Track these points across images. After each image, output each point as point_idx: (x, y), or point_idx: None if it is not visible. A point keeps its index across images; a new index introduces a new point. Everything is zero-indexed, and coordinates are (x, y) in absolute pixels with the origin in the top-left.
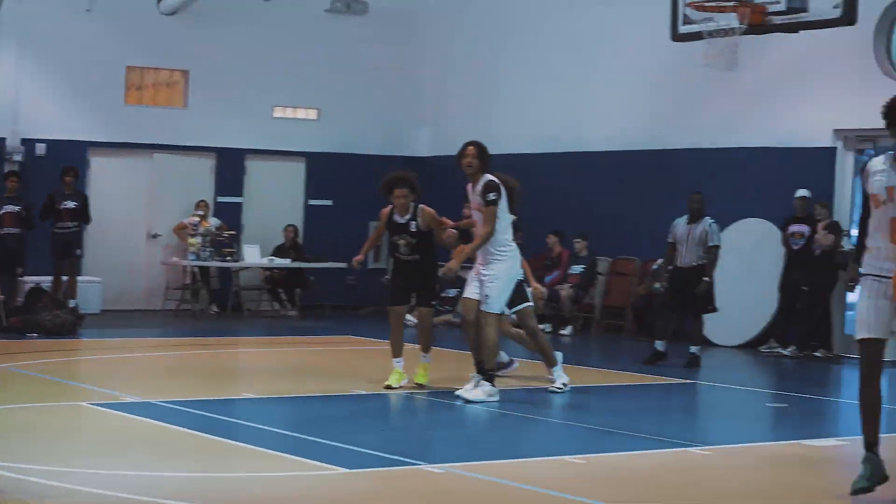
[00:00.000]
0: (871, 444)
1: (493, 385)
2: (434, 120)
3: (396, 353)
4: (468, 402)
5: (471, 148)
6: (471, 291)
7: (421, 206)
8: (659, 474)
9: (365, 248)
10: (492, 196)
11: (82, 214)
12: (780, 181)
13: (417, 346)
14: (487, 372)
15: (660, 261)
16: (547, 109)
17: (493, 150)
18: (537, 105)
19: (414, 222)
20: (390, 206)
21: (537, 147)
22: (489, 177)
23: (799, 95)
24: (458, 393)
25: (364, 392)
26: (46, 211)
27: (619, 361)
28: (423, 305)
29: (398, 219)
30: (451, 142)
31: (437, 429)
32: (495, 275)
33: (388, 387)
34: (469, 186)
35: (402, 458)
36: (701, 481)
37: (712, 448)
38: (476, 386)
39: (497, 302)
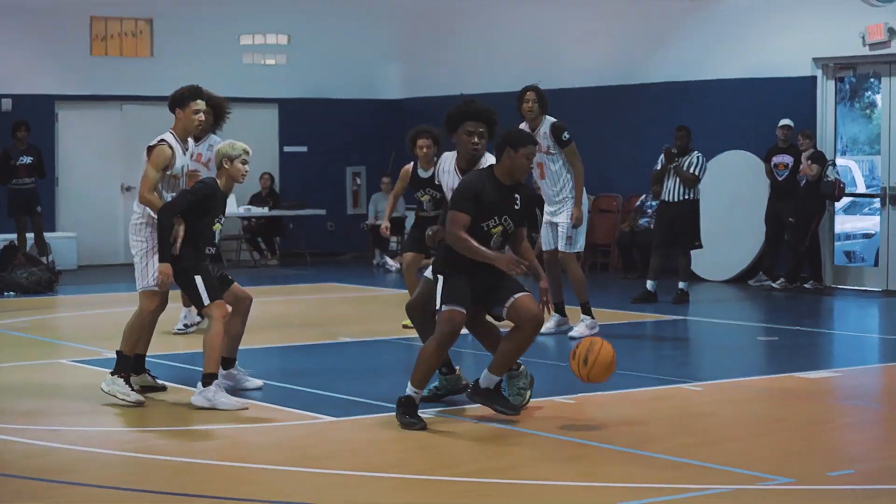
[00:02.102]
0: None
1: (593, 317)
2: (406, 62)
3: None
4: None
5: (530, 93)
6: (546, 242)
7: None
8: (651, 412)
9: (388, 214)
10: (566, 135)
11: (38, 169)
12: (760, 112)
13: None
14: (585, 306)
15: (643, 196)
16: (520, 47)
17: (468, 89)
18: (510, 42)
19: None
20: (412, 164)
21: (511, 85)
22: (552, 119)
23: (776, 24)
24: (570, 334)
25: (349, 339)
26: (2, 168)
27: (607, 299)
28: None
29: (422, 173)
30: (423, 83)
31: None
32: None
33: (405, 326)
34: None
35: (389, 405)
36: (694, 417)
37: (704, 384)
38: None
39: (578, 241)
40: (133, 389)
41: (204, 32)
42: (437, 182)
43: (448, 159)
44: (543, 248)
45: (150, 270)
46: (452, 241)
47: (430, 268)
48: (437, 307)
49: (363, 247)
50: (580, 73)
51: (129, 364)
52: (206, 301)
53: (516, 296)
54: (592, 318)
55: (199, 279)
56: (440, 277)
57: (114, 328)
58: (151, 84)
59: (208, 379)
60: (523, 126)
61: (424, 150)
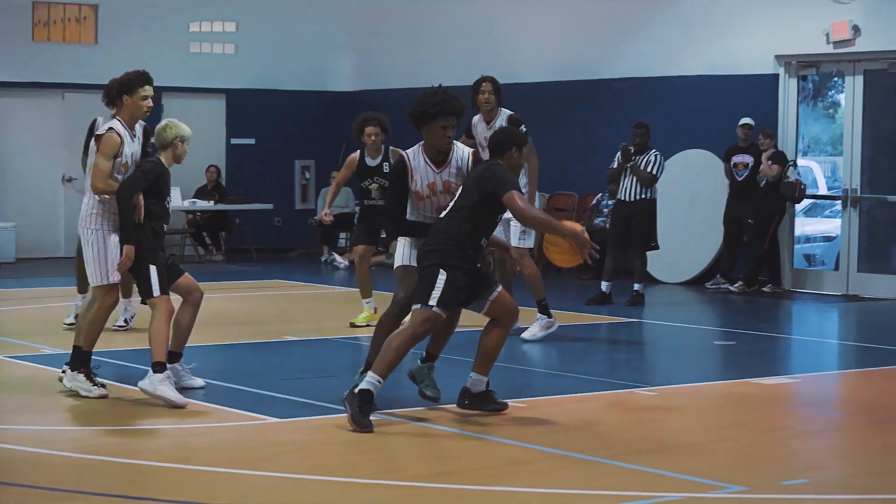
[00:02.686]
0: None
1: (550, 316)
2: (358, 53)
3: (365, 293)
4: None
5: (487, 83)
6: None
7: (392, 147)
8: (603, 417)
9: (329, 201)
10: (524, 129)
11: None
12: (721, 110)
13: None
14: (542, 303)
15: (599, 195)
16: (476, 40)
17: (419, 82)
18: (467, 35)
19: (386, 164)
20: (358, 151)
21: (465, 78)
22: (508, 111)
23: (739, 20)
24: (523, 336)
25: (295, 338)
26: None
27: (561, 301)
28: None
29: (370, 161)
30: (376, 75)
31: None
32: None
33: (353, 325)
34: (477, 123)
35: (333, 406)
36: (647, 423)
37: (658, 388)
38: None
39: (531, 237)
40: (95, 384)
41: (151, 20)
42: (385, 171)
43: (414, 155)
44: None
45: (108, 264)
46: (535, 220)
47: (412, 255)
48: (429, 302)
49: (311, 243)
50: (537, 67)
51: (88, 359)
52: (157, 292)
53: (497, 290)
54: (550, 317)
55: (153, 269)
56: (443, 272)
57: (53, 323)
58: (95, 72)
59: (158, 367)
60: (477, 119)
61: (373, 137)
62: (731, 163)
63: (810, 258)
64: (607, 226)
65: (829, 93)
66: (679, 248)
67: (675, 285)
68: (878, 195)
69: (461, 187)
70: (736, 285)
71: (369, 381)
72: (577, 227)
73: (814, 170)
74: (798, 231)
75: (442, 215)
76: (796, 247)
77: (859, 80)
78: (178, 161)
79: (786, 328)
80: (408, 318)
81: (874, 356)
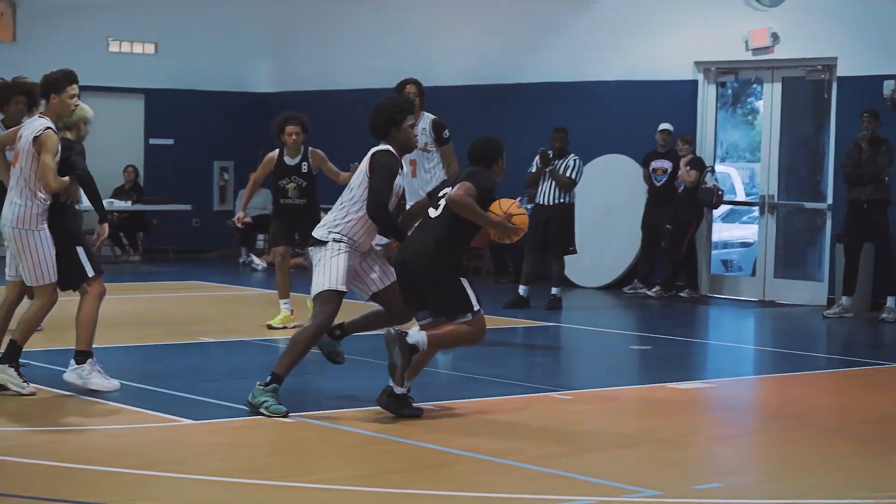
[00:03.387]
0: None
1: None
2: (276, 55)
3: (283, 293)
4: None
5: (411, 85)
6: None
7: (311, 147)
8: (518, 421)
9: (245, 203)
10: (447, 133)
11: None
12: (640, 116)
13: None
14: None
15: (518, 199)
16: (394, 43)
17: (339, 85)
18: (385, 38)
19: (305, 164)
20: (277, 150)
21: (384, 81)
22: (431, 115)
23: (659, 26)
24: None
25: (211, 340)
26: None
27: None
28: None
29: (288, 160)
30: (295, 77)
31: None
32: None
33: (270, 326)
34: None
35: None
36: (562, 427)
37: (574, 392)
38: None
39: None
40: (24, 380)
41: (70, 18)
42: (304, 171)
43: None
44: None
45: (49, 264)
46: (463, 206)
47: (346, 277)
48: (474, 309)
49: (229, 244)
50: (456, 70)
51: (19, 355)
52: (90, 272)
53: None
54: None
55: (81, 250)
56: (462, 280)
57: None
58: (12, 70)
59: (82, 357)
60: None
61: (293, 136)
62: (650, 168)
63: (727, 264)
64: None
65: (748, 99)
66: (597, 253)
67: (593, 290)
68: (795, 202)
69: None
70: (653, 290)
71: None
72: (512, 208)
73: (732, 176)
74: (715, 237)
75: (431, 216)
76: (713, 252)
77: (777, 87)
78: (80, 142)
79: (702, 333)
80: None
81: (789, 362)
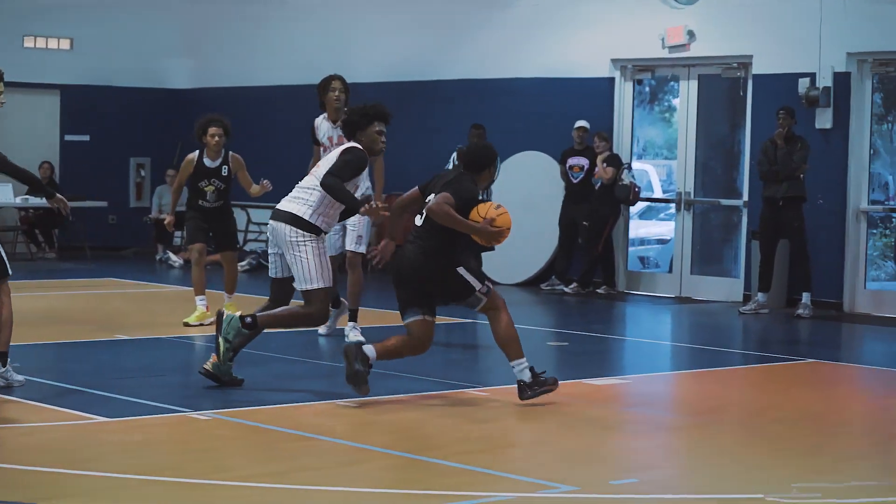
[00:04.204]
0: None
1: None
2: (194, 51)
3: (198, 290)
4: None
5: (338, 81)
6: (334, 247)
7: (231, 152)
8: (434, 417)
9: (173, 206)
10: None
11: None
12: (557, 113)
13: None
14: (354, 313)
15: None
16: (314, 38)
17: (255, 81)
18: (304, 34)
19: (225, 167)
20: (197, 152)
21: (303, 78)
22: None
23: (575, 24)
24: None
25: (126, 337)
26: None
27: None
28: (229, 249)
29: (208, 163)
30: (212, 74)
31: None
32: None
33: (186, 324)
34: (321, 124)
35: (165, 406)
36: (478, 423)
37: (490, 389)
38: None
39: (365, 243)
40: None
41: None
42: (223, 174)
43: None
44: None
45: None
46: (445, 216)
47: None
48: (481, 288)
49: (146, 241)
50: (373, 67)
51: None
52: (10, 270)
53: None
54: (356, 326)
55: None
56: (459, 269)
57: None
58: None
59: (2, 358)
60: (321, 119)
61: (216, 138)
62: (567, 165)
63: (644, 260)
64: None
65: (665, 97)
66: (514, 250)
67: (510, 286)
68: (711, 199)
69: (432, 198)
70: (570, 287)
71: (524, 368)
72: (490, 211)
73: (649, 173)
74: (632, 233)
75: (418, 222)
76: (630, 249)
77: (694, 84)
78: None
79: (619, 329)
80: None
81: (705, 358)
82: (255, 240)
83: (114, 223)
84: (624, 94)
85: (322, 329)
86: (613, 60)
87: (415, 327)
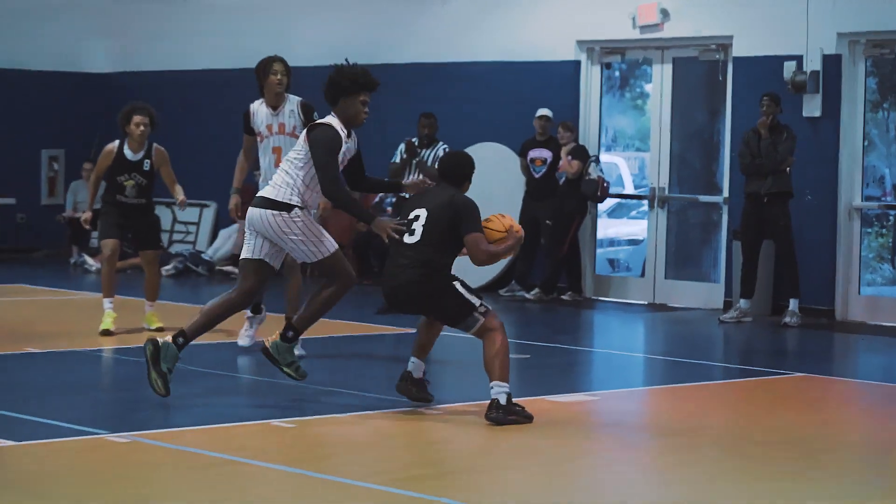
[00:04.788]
0: None
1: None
2: (115, 32)
3: (107, 292)
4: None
5: (279, 64)
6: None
7: (155, 144)
8: (381, 439)
9: (90, 202)
10: (317, 116)
11: None
12: (517, 100)
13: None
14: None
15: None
16: (247, 18)
17: (183, 65)
18: (240, 14)
19: (148, 161)
20: (117, 142)
21: (240, 62)
22: (297, 97)
23: (536, 3)
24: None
25: (37, 350)
26: None
27: (342, 310)
28: (150, 248)
29: (130, 155)
30: (137, 57)
31: (123, 391)
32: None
33: (107, 332)
34: (258, 110)
35: (80, 427)
36: (429, 445)
37: (443, 407)
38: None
39: None
40: None
41: None
42: (146, 168)
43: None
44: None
45: None
46: (490, 258)
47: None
48: (483, 309)
49: (59, 243)
50: (313, 49)
51: None
52: None
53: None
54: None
55: None
56: (454, 283)
57: None
58: None
59: None
60: (258, 105)
61: (141, 128)
62: (528, 158)
63: (614, 263)
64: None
65: (636, 82)
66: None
67: None
68: (688, 195)
69: (424, 215)
70: (532, 293)
71: (502, 391)
72: (505, 222)
73: (619, 166)
74: (601, 233)
75: (409, 241)
76: (599, 251)
77: (668, 68)
78: None
79: (586, 340)
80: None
81: (681, 371)
82: (182, 241)
83: (23, 222)
84: (591, 79)
85: (242, 341)
86: (579, 42)
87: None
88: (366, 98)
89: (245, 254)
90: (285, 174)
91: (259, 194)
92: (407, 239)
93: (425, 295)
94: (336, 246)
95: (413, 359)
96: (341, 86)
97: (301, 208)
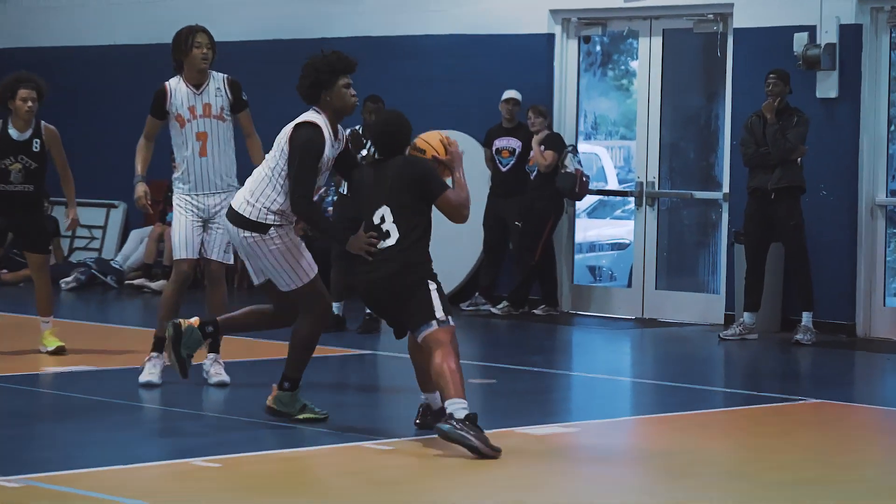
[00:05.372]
0: None
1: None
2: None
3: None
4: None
5: (204, 35)
6: (193, 248)
7: (44, 122)
8: (322, 479)
9: None
10: (245, 95)
11: None
12: (479, 81)
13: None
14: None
15: (322, 188)
16: None
17: (87, 40)
18: None
19: (37, 141)
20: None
21: (151, 36)
22: (222, 74)
23: None
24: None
25: None
26: None
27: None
28: (39, 251)
29: (15, 134)
30: (25, 30)
31: (13, 427)
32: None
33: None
34: (177, 89)
35: None
36: (378, 486)
37: (394, 441)
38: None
39: (232, 251)
40: None
41: None
42: (35, 150)
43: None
44: (188, 255)
45: None
46: (468, 205)
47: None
48: (436, 316)
49: None
50: (239, 22)
51: None
52: None
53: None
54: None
55: None
56: (431, 283)
57: None
58: None
59: None
60: (175, 83)
61: (29, 104)
62: (493, 149)
63: (595, 271)
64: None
65: (621, 59)
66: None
67: None
68: (682, 190)
69: (389, 213)
70: (499, 306)
71: (460, 408)
72: (443, 139)
73: (601, 157)
74: (579, 236)
75: (388, 245)
76: (577, 257)
77: (657, 42)
78: None
79: (563, 362)
80: None
81: (675, 398)
82: (86, 247)
83: None
84: (567, 55)
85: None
86: (553, 12)
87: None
88: (348, 80)
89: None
90: (263, 182)
91: (232, 204)
92: (384, 244)
93: (405, 287)
94: (315, 271)
95: (424, 396)
96: (320, 80)
97: (279, 226)
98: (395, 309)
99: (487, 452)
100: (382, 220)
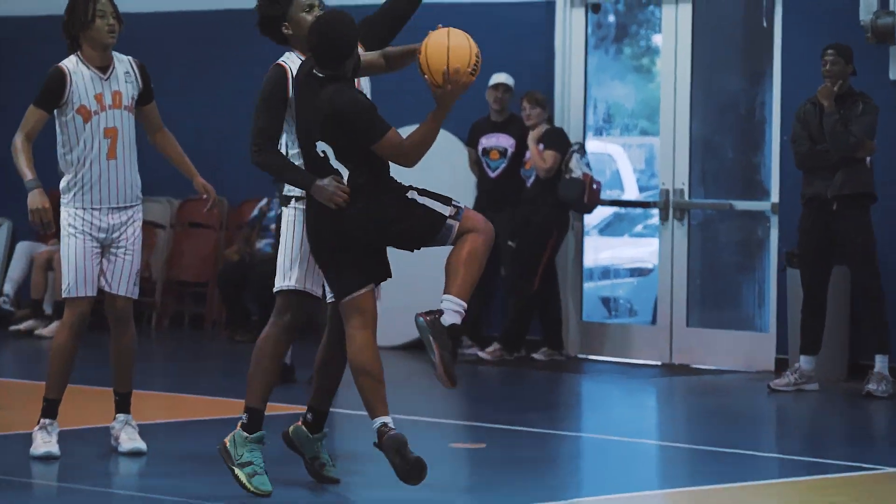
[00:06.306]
0: None
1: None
2: None
3: None
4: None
5: (108, 3)
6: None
7: None
8: None
9: None
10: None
11: None
12: None
13: None
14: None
15: (265, 201)
16: None
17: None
18: None
19: None
20: None
21: (35, 6)
22: (126, 56)
23: None
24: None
25: None
26: None
27: (201, 380)
28: None
29: None
30: None
31: None
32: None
33: None
34: (79, 73)
35: None
36: None
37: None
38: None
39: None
40: None
41: None
42: None
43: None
44: (86, 292)
45: None
46: (423, 144)
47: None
48: (454, 211)
49: None
50: None
51: None
52: None
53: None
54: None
55: None
56: (412, 192)
57: None
58: None
59: None
60: (76, 65)
61: None
62: (480, 148)
63: (610, 304)
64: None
65: (639, 32)
66: (402, 291)
67: (394, 350)
68: (719, 200)
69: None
70: (489, 349)
71: (454, 312)
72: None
73: (615, 158)
74: (589, 259)
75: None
76: (587, 286)
77: (686, 10)
78: None
79: (570, 421)
80: None
81: (715, 465)
82: None
83: None
84: (571, 28)
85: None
86: None
87: (365, 302)
88: (310, 2)
89: None
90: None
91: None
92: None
93: (382, 225)
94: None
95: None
96: (271, 13)
97: (299, 198)
98: (389, 239)
99: (441, 378)
100: (326, 156)
